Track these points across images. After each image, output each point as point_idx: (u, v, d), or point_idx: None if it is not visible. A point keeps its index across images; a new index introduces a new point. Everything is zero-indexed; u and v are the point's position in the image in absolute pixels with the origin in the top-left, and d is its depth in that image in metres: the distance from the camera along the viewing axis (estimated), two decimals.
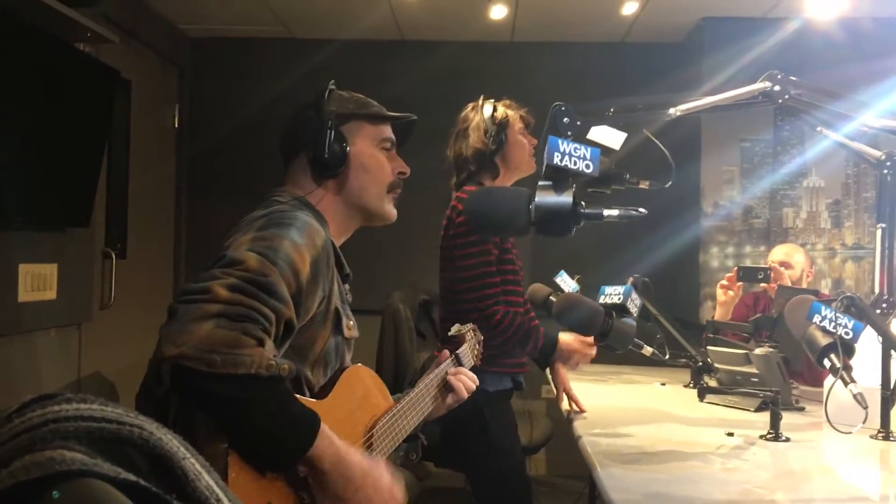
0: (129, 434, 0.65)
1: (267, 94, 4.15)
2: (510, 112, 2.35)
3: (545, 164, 1.36)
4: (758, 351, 2.34)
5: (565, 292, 2.25)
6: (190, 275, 4.39)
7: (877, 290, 1.78)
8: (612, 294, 1.75)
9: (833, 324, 1.66)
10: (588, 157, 1.36)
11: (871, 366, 1.87)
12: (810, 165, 4.00)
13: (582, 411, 2.26)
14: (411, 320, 3.15)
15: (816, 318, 1.68)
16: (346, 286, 1.46)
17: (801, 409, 2.29)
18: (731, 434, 1.94)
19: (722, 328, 2.70)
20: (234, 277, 1.13)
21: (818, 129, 1.79)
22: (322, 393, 1.31)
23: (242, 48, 4.45)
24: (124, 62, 3.40)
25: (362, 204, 1.49)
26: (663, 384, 2.80)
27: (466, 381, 1.63)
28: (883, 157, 1.75)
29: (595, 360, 2.50)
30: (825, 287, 3.92)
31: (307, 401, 1.23)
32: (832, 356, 1.64)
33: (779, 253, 3.19)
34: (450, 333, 1.76)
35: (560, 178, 1.36)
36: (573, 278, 2.37)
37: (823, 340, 1.65)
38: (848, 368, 1.62)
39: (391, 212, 1.52)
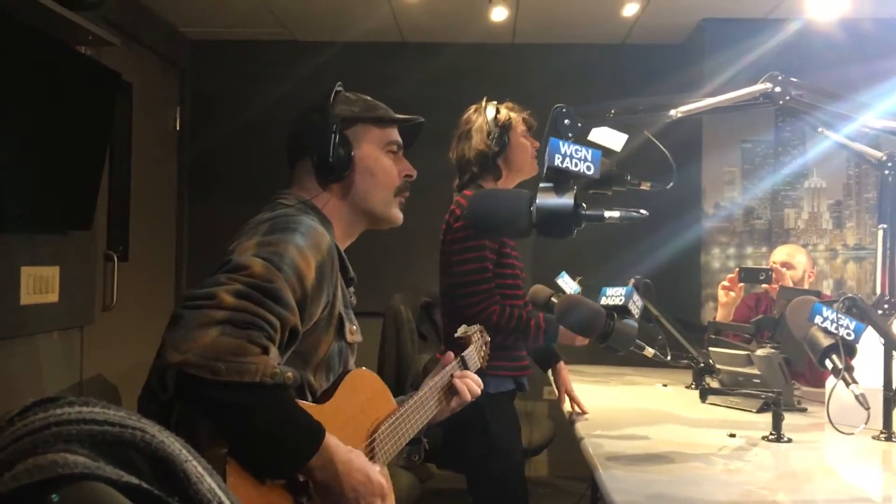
0: (131, 437, 0.66)
1: (268, 96, 4.15)
2: (513, 114, 2.35)
3: (546, 166, 1.36)
4: (759, 352, 2.33)
5: (567, 294, 2.25)
6: (192, 277, 4.39)
7: (878, 290, 1.78)
8: (613, 295, 1.75)
9: (835, 325, 1.66)
10: (589, 158, 1.36)
11: (872, 366, 1.87)
12: (811, 166, 4.00)
13: (584, 413, 2.26)
14: (413, 322, 3.15)
15: (818, 319, 1.68)
16: (351, 289, 1.46)
17: (803, 410, 2.29)
18: (732, 435, 1.94)
19: (723, 329, 2.70)
20: (239, 283, 1.13)
21: (819, 129, 1.79)
22: (325, 397, 1.30)
23: (243, 50, 4.46)
24: (125, 65, 3.41)
25: (368, 208, 1.47)
26: (665, 385, 2.80)
27: (471, 385, 1.62)
28: (884, 158, 1.75)
29: (597, 362, 2.51)
30: (827, 288, 3.91)
31: (309, 405, 1.23)
32: (834, 357, 1.64)
33: (780, 254, 3.19)
34: (456, 335, 1.75)
35: (561, 179, 1.36)
36: (575, 280, 2.37)
37: (825, 341, 1.65)
38: (850, 369, 1.63)
39: (397, 215, 1.51)
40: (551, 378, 2.46)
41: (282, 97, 4.04)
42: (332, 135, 1.42)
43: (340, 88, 1.49)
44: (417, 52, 4.39)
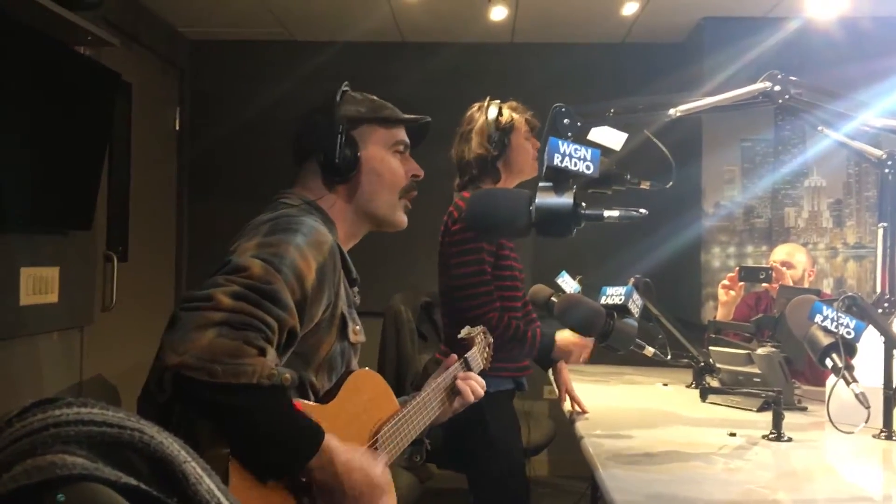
0: (129, 438, 0.66)
1: (267, 96, 4.15)
2: (516, 115, 2.33)
3: (545, 166, 1.36)
4: (760, 351, 2.33)
5: (567, 293, 2.25)
6: (191, 277, 4.39)
7: (878, 289, 1.78)
8: (613, 295, 1.75)
9: (835, 323, 1.66)
10: (588, 157, 1.36)
11: (873, 365, 1.87)
12: (811, 165, 4.00)
13: (584, 412, 2.26)
14: (413, 322, 3.15)
15: (818, 318, 1.68)
16: (355, 289, 1.45)
17: (804, 409, 2.29)
18: (733, 434, 1.93)
19: (724, 328, 2.70)
20: (237, 285, 1.12)
21: (819, 128, 1.79)
22: (327, 397, 1.30)
23: (243, 50, 4.46)
24: (125, 65, 3.40)
25: (372, 210, 1.47)
26: (665, 385, 2.80)
27: (475, 386, 1.61)
28: (884, 157, 1.75)
29: (597, 361, 2.50)
30: (827, 287, 3.91)
31: (311, 406, 1.23)
32: (834, 356, 1.64)
33: (780, 253, 3.19)
34: (459, 336, 1.75)
35: (560, 179, 1.35)
36: (574, 279, 2.37)
37: (825, 340, 1.65)
38: (850, 368, 1.63)
39: (402, 220, 1.50)
40: (551, 377, 2.46)
41: (281, 97, 4.04)
42: (339, 136, 1.41)
43: (347, 88, 1.48)
44: (417, 52, 4.39)
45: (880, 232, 1.77)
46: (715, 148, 4.03)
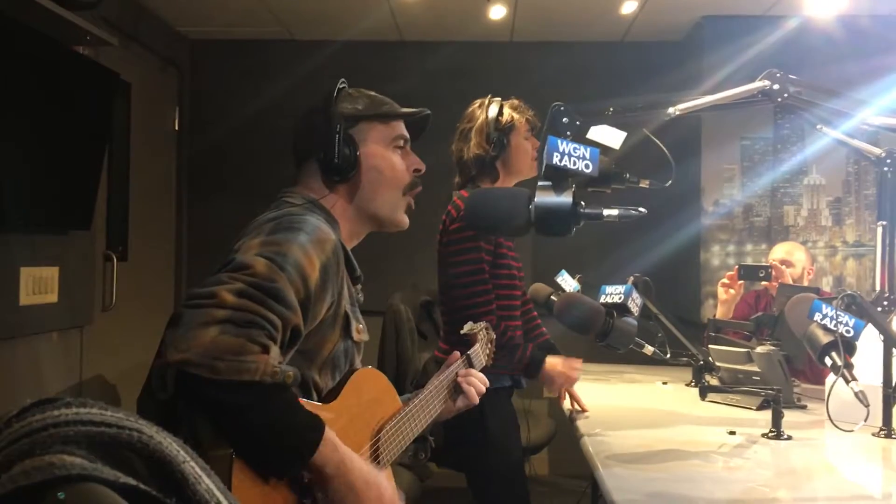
0: (128, 438, 0.66)
1: (267, 95, 4.15)
2: (516, 115, 2.32)
3: (544, 164, 1.36)
4: (759, 349, 2.33)
5: (566, 292, 2.25)
6: (191, 276, 4.39)
7: (878, 287, 1.78)
8: (612, 293, 1.75)
9: (834, 322, 1.66)
10: (587, 156, 1.36)
11: (872, 363, 1.87)
12: (811, 163, 4.00)
13: (584, 411, 2.26)
14: (412, 321, 3.15)
15: (818, 316, 1.68)
16: (358, 287, 1.45)
17: (803, 408, 2.29)
18: (732, 433, 1.93)
19: (723, 327, 2.70)
20: (241, 283, 1.12)
21: (818, 126, 1.79)
22: (330, 396, 1.30)
23: (242, 50, 4.45)
24: (124, 65, 3.40)
25: (374, 210, 1.46)
26: (665, 383, 2.80)
27: (477, 384, 1.61)
28: (883, 155, 1.75)
29: (597, 360, 2.50)
30: (826, 285, 3.91)
31: (314, 405, 1.23)
32: (833, 354, 1.64)
33: (780, 251, 3.20)
34: (462, 332, 1.74)
35: (559, 177, 1.35)
36: (574, 278, 2.38)
37: (825, 338, 1.65)
38: (849, 366, 1.63)
39: (403, 220, 1.50)
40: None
41: (281, 96, 4.04)
42: (337, 135, 1.40)
43: (344, 85, 1.48)
44: (416, 51, 4.39)
45: (879, 230, 1.77)
46: (714, 146, 4.03)
